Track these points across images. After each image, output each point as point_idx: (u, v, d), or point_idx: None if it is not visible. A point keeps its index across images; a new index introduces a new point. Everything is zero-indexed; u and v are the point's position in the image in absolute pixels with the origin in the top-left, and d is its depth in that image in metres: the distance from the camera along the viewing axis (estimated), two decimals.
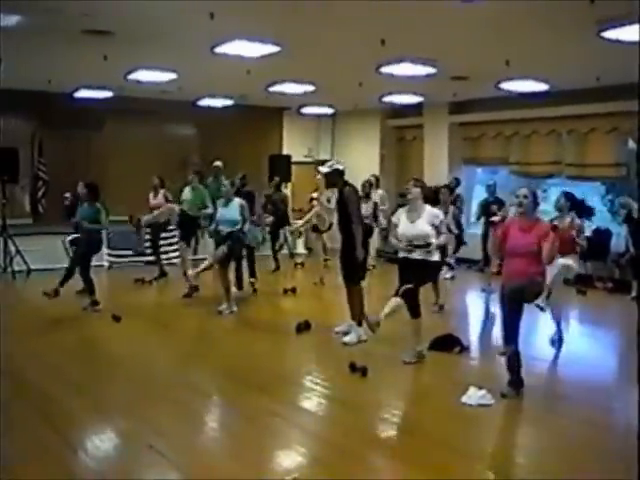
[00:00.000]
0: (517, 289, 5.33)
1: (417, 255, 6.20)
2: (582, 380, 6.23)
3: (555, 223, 5.76)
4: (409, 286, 6.14)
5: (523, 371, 5.44)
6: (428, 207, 6.33)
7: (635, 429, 4.43)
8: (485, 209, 10.48)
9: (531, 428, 5.11)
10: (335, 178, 7.15)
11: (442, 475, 4.11)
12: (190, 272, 8.85)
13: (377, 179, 12.17)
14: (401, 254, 6.38)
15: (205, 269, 8.57)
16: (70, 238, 9.60)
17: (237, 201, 8.42)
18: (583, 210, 7.19)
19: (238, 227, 8.37)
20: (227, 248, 8.29)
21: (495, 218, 6.67)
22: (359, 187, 8.44)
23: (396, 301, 6.20)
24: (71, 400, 5.42)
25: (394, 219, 6.54)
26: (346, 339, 7.05)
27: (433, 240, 6.19)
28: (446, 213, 9.03)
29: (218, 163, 11.01)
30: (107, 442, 4.69)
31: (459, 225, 10.25)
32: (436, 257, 6.33)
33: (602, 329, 8.36)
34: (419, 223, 6.21)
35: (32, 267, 11.02)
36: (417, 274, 6.22)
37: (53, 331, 7.70)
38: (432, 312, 8.34)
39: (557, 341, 7.03)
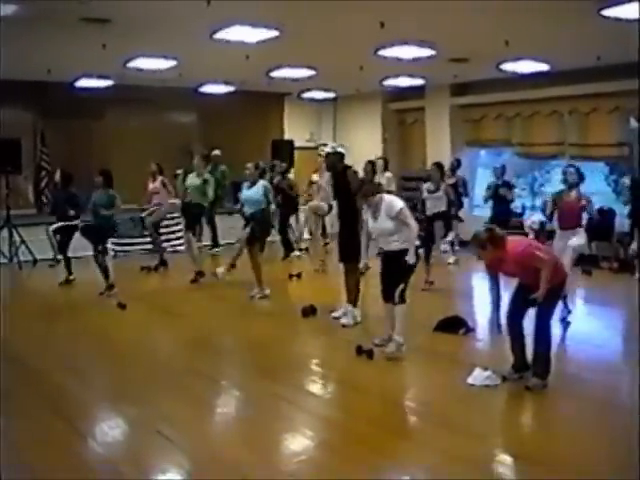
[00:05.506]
0: None
1: (393, 246, 6.05)
2: (587, 360, 6.24)
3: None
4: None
5: (528, 351, 5.45)
6: (386, 198, 6.09)
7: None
8: (494, 192, 10.37)
9: (536, 408, 5.13)
10: (336, 160, 7.26)
11: (447, 455, 4.14)
12: (220, 269, 8.52)
13: (386, 161, 11.97)
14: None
15: (237, 256, 8.50)
16: (53, 227, 9.32)
17: (262, 183, 8.49)
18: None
19: (262, 207, 8.39)
20: (250, 229, 8.36)
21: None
22: (361, 170, 8.48)
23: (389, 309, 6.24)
24: (79, 387, 5.47)
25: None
26: (343, 321, 7.19)
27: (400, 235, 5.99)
28: (437, 190, 9.04)
29: (217, 152, 11.00)
30: (115, 428, 4.72)
31: (450, 204, 9.40)
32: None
33: (608, 309, 8.36)
34: (380, 219, 6.05)
35: (38, 257, 11.03)
36: (397, 265, 6.02)
37: (60, 320, 7.74)
38: (422, 290, 8.45)
39: (563, 320, 7.05)
